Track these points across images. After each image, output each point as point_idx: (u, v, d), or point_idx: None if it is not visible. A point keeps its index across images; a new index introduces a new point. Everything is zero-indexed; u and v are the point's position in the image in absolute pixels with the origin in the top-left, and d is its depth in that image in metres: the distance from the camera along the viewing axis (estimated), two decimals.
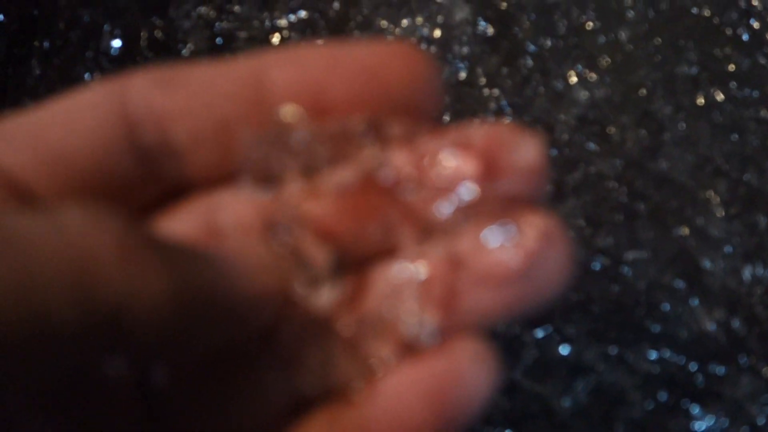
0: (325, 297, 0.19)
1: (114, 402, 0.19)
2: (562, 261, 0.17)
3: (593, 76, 0.38)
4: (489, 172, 0.18)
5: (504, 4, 0.38)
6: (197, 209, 0.20)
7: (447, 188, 0.19)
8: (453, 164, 0.19)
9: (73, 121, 0.19)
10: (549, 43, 0.38)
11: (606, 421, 0.34)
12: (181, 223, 0.20)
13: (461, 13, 0.36)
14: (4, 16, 0.36)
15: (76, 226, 0.14)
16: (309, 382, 0.19)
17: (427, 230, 0.19)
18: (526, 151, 0.18)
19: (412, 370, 0.18)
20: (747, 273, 0.35)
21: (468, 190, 0.18)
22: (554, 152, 0.36)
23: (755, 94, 0.37)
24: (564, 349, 0.35)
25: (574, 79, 0.38)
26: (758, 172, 0.36)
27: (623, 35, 0.38)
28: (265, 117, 0.19)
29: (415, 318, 0.18)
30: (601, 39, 0.38)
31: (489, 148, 0.18)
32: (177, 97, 0.19)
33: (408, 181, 0.19)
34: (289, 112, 0.19)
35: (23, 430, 0.17)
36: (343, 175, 0.20)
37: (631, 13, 0.38)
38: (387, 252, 0.19)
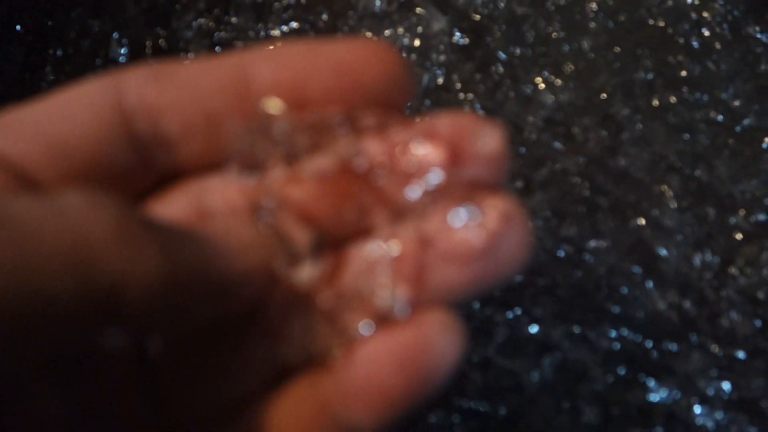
0: (305, 274, 0.20)
1: (112, 374, 0.20)
2: (521, 240, 0.19)
3: (558, 82, 0.39)
4: (454, 159, 0.19)
5: (477, 16, 0.39)
6: (187, 194, 0.21)
7: (416, 174, 0.20)
8: (421, 152, 0.20)
9: (72, 112, 0.19)
10: (518, 51, 0.39)
11: (570, 394, 0.35)
12: (172, 207, 0.21)
13: (438, 25, 0.37)
14: (21, 27, 0.37)
15: (75, 209, 0.15)
16: (292, 351, 0.20)
17: (399, 212, 0.20)
18: (487, 139, 0.19)
19: (386, 339, 0.19)
20: (697, 259, 0.36)
21: (435, 176, 0.20)
22: (523, 150, 0.37)
23: (705, 97, 0.38)
24: (532, 329, 0.36)
25: (541, 85, 0.39)
26: (708, 168, 0.37)
27: (585, 44, 0.39)
28: (250, 109, 0.20)
29: (388, 292, 0.19)
30: (566, 48, 0.39)
31: (454, 137, 0.19)
32: (168, 91, 0.20)
33: (380, 167, 0.20)
34: (271, 104, 0.20)
35: (27, 402, 0.18)
36: (321, 163, 0.20)
37: (592, 24, 0.39)
38: (362, 232, 0.21)
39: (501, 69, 0.37)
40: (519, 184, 0.37)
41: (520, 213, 0.19)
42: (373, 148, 0.20)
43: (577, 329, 0.36)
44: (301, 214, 0.20)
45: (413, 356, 0.18)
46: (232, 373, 0.21)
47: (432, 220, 0.20)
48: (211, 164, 0.21)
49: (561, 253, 0.37)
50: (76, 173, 0.19)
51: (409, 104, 0.21)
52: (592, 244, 0.37)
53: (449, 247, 0.19)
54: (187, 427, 0.21)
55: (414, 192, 0.20)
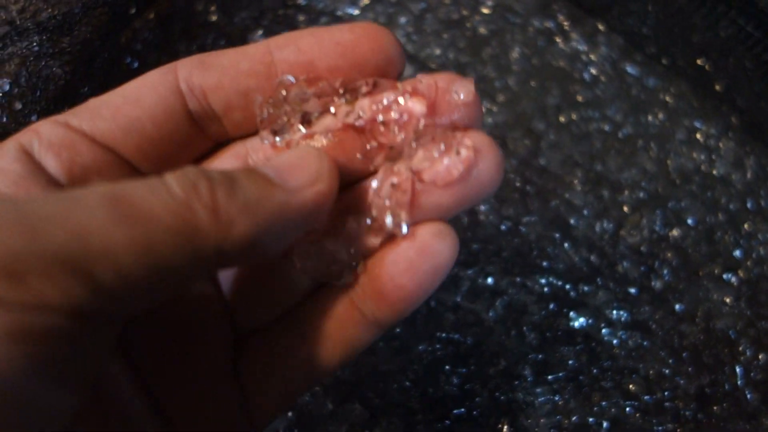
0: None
1: (202, 336, 0.21)
2: (494, 165, 0.20)
3: (494, 108, 0.43)
4: (434, 108, 0.20)
5: (433, 65, 0.43)
6: (235, 155, 0.22)
7: (404, 123, 0.21)
8: (408, 105, 0.20)
9: (141, 97, 0.20)
10: None
11: (516, 324, 0.39)
12: (225, 164, 0.22)
13: (406, 72, 0.40)
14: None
15: (177, 190, 0.16)
16: (325, 271, 0.21)
17: (394, 155, 0.21)
18: (461, 90, 0.20)
19: (395, 249, 0.21)
20: (598, 226, 0.41)
21: (420, 123, 0.21)
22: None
23: (596, 114, 0.43)
24: (488, 280, 0.40)
25: (483, 111, 0.44)
26: (602, 163, 0.43)
27: (511, 81, 0.44)
28: (274, 86, 0.21)
29: (392, 215, 0.21)
30: (497, 84, 0.43)
31: (434, 90, 0.20)
32: (211, 76, 0.21)
33: (376, 121, 0.21)
34: (289, 80, 0.21)
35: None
36: (329, 121, 0.22)
37: (515, 67, 0.44)
38: (368, 174, 0.22)
39: None
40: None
41: (492, 144, 0.20)
42: (369, 106, 0.21)
43: (518, 279, 0.40)
44: None
45: (418, 259, 0.20)
46: (282, 286, 0.22)
47: (420, 157, 0.21)
48: (251, 130, 0.22)
49: (503, 227, 0.41)
50: (148, 145, 0.20)
51: (399, 73, 0.22)
52: (525, 219, 0.41)
53: (435, 176, 0.20)
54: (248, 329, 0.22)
55: (405, 138, 0.21)
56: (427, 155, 0.21)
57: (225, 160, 0.22)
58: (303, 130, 0.21)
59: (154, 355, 0.21)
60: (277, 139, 0.22)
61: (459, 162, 0.20)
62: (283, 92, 0.21)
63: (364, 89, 0.21)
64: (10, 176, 0.19)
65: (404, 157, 0.21)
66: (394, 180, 0.21)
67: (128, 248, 0.14)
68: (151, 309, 0.17)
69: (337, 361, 0.22)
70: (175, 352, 0.21)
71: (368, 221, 0.21)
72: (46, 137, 0.19)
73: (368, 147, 0.21)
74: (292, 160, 0.19)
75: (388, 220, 0.21)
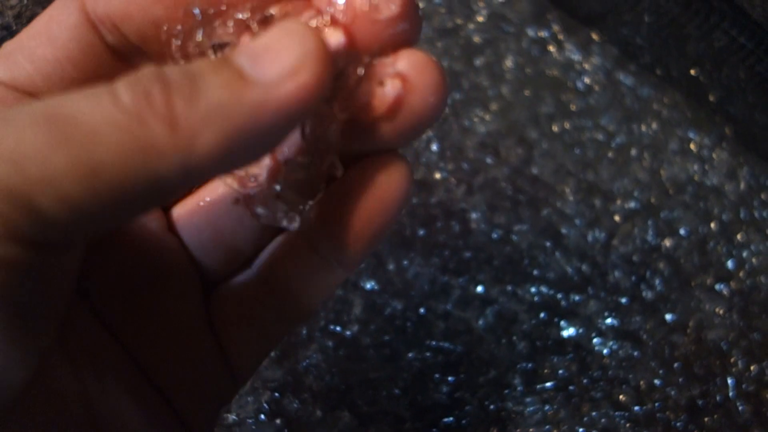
0: None
1: (170, 287, 0.20)
2: (430, 90, 0.18)
3: (487, 117, 0.43)
4: (357, 32, 0.17)
5: None
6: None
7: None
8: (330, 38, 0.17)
9: (52, 36, 0.19)
10: (458, 96, 0.43)
11: (506, 333, 0.39)
12: None
13: None
14: None
15: (129, 99, 0.14)
16: (274, 217, 0.20)
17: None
18: (387, 2, 0.17)
19: (342, 185, 0.19)
20: (590, 236, 0.41)
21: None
22: (465, 165, 0.42)
23: (589, 123, 0.43)
24: (478, 288, 0.40)
25: (475, 119, 0.43)
26: (594, 172, 0.43)
27: (504, 90, 0.44)
28: (183, 15, 0.19)
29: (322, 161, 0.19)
30: (490, 93, 0.43)
31: (352, 9, 0.17)
32: (115, 3, 0.19)
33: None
34: (199, 9, 0.19)
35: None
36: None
37: (508, 76, 0.44)
38: None
39: (446, 110, 0.36)
40: (463, 187, 0.41)
41: (427, 64, 0.18)
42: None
43: (509, 288, 0.40)
44: None
45: (365, 195, 0.19)
46: (240, 232, 0.21)
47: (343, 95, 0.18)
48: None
49: (495, 235, 0.41)
50: (74, 88, 0.17)
51: None
52: (516, 227, 0.41)
53: (357, 113, 0.18)
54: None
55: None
56: (346, 93, 0.18)
57: None
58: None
59: (126, 312, 0.20)
60: None
61: (384, 95, 0.17)
62: (189, 23, 0.19)
63: (277, 15, 0.19)
64: None
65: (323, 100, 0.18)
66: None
67: (70, 173, 0.13)
68: (116, 260, 0.16)
69: (307, 305, 0.21)
70: (146, 307, 0.20)
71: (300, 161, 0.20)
72: None
73: None
74: (271, 43, 0.16)
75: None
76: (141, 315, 0.20)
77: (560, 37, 0.45)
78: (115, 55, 0.20)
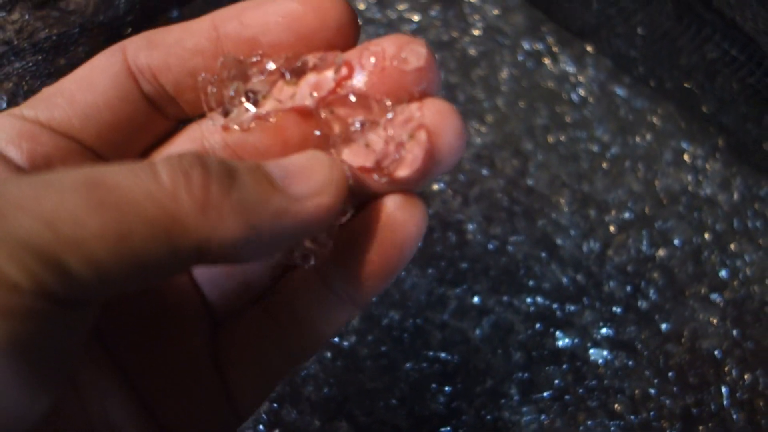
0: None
1: (178, 324, 0.21)
2: (453, 137, 0.19)
3: (483, 128, 0.43)
4: (383, 80, 0.19)
5: None
6: (191, 137, 0.21)
7: (349, 103, 0.19)
8: (349, 84, 0.19)
9: (93, 82, 0.20)
10: None
11: (503, 343, 0.39)
12: (182, 148, 0.21)
13: None
14: None
15: (166, 178, 0.15)
16: (291, 256, 0.20)
17: (347, 137, 0.20)
18: (413, 56, 0.19)
19: (361, 223, 0.20)
20: (585, 246, 0.41)
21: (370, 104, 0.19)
22: (461, 176, 0.42)
23: (584, 135, 0.44)
24: (475, 299, 0.40)
25: (471, 131, 0.43)
26: (589, 183, 0.43)
27: (500, 102, 0.44)
28: (219, 64, 0.20)
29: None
30: (486, 105, 0.44)
31: (381, 60, 0.19)
32: (157, 55, 0.20)
33: (321, 106, 0.20)
34: (235, 58, 0.20)
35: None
36: (274, 105, 0.20)
37: (504, 88, 0.44)
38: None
39: None
40: (459, 199, 0.41)
41: (449, 113, 0.19)
42: (309, 90, 0.20)
43: (505, 298, 0.40)
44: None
45: (384, 233, 0.19)
46: (251, 269, 0.22)
47: (374, 140, 0.19)
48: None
49: (491, 246, 0.41)
50: (107, 131, 0.20)
51: (353, 44, 0.20)
52: (512, 238, 0.41)
53: (393, 175, 0.19)
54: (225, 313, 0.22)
55: (357, 122, 0.19)
56: (373, 146, 0.19)
57: (180, 145, 0.22)
58: (252, 109, 0.20)
59: (133, 346, 0.21)
60: (226, 118, 0.21)
61: (415, 155, 0.19)
62: (226, 72, 0.20)
63: (310, 65, 0.20)
64: None
65: (352, 144, 0.20)
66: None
67: (101, 237, 0.14)
68: (127, 296, 0.16)
69: (315, 342, 0.21)
70: (153, 342, 0.21)
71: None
72: (4, 130, 0.19)
73: (317, 133, 0.20)
74: (301, 164, 0.18)
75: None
76: (147, 348, 0.21)
77: (555, 49, 0.45)
78: (149, 103, 0.21)
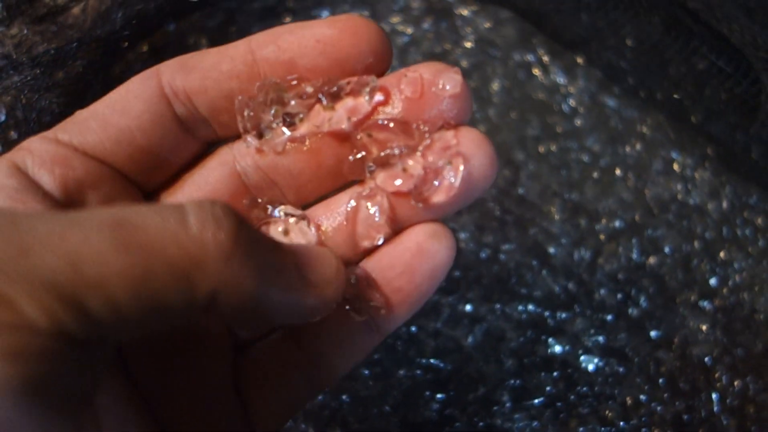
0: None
1: (201, 348, 0.21)
2: (486, 164, 0.20)
3: None
4: (421, 104, 0.19)
5: None
6: (221, 160, 0.22)
7: (383, 127, 0.19)
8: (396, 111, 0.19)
9: (128, 106, 0.20)
10: None
11: (495, 351, 0.39)
12: (214, 172, 0.22)
13: None
14: None
15: (193, 221, 0.15)
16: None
17: (383, 161, 0.20)
18: (448, 83, 0.19)
19: (391, 251, 0.20)
20: (576, 254, 0.42)
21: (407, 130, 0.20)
22: None
23: (575, 145, 0.44)
24: (467, 307, 0.40)
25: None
26: (579, 193, 0.43)
27: (491, 112, 0.44)
28: (254, 87, 0.20)
29: (367, 238, 0.20)
30: (477, 115, 0.44)
31: (419, 86, 0.19)
32: (193, 79, 0.20)
33: (357, 130, 0.20)
34: (273, 81, 0.20)
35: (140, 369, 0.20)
36: (309, 128, 0.21)
37: (495, 99, 0.44)
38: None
39: None
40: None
41: (483, 141, 0.20)
42: (346, 114, 0.20)
43: (497, 306, 0.40)
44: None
45: (415, 261, 0.20)
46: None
47: (412, 165, 0.20)
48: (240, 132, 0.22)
49: (483, 255, 0.41)
50: (139, 154, 0.20)
51: (387, 68, 0.21)
52: (504, 247, 0.42)
53: (429, 200, 0.20)
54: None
55: (395, 146, 0.20)
56: (410, 171, 0.20)
57: (211, 168, 0.22)
58: (287, 132, 0.21)
59: (154, 370, 0.20)
60: (261, 140, 0.21)
61: (452, 182, 0.19)
62: (263, 95, 0.20)
63: (347, 89, 0.20)
64: (6, 191, 0.18)
65: (388, 168, 0.20)
66: (369, 207, 0.20)
67: (122, 277, 0.14)
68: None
69: (338, 369, 0.21)
70: (175, 366, 0.21)
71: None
72: (38, 154, 0.19)
73: (351, 158, 0.21)
74: (315, 253, 0.18)
75: (366, 243, 0.21)
76: (168, 371, 0.21)
77: (546, 61, 0.45)
78: (182, 126, 0.21)
